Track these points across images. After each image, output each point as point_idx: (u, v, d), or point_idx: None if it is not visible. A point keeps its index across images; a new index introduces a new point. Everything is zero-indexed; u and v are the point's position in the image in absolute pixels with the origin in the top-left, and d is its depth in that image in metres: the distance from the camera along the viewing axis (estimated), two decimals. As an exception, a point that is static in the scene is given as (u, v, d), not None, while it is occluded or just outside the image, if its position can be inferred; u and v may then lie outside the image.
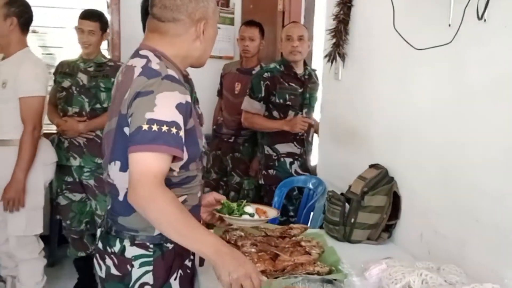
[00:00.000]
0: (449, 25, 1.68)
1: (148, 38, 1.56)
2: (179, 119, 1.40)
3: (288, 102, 3.24)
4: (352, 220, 2.08)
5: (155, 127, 1.35)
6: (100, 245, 1.59)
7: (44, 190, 3.01)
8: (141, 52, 1.51)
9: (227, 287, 1.37)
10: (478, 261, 1.61)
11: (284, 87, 3.24)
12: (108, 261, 1.54)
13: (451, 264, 1.63)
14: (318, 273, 1.67)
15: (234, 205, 1.82)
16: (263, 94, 3.25)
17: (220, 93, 3.88)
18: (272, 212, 1.90)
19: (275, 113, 3.28)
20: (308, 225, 2.58)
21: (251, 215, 1.83)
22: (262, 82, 3.26)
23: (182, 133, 1.40)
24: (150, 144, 1.35)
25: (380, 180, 2.10)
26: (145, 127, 1.35)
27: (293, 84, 3.24)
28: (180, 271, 1.57)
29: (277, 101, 3.24)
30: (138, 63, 1.47)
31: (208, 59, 4.03)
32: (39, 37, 4.45)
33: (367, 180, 2.10)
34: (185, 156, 1.47)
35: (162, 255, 1.53)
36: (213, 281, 1.60)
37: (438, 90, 1.82)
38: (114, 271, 1.53)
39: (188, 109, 1.44)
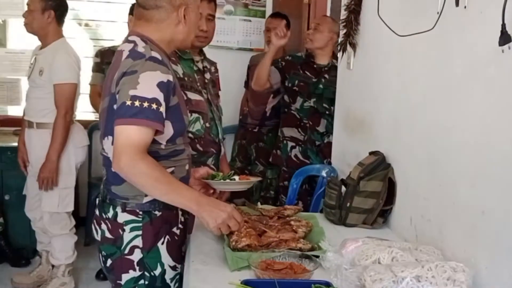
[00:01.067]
0: (438, 12, 1.71)
1: (136, 25, 1.71)
2: (160, 96, 1.53)
3: (295, 88, 3.28)
4: (348, 204, 2.13)
5: (137, 103, 1.49)
6: (97, 212, 1.75)
7: (76, 171, 3.22)
8: (130, 38, 1.66)
9: (216, 231, 1.60)
10: (454, 243, 1.64)
11: (297, 73, 3.29)
12: (103, 226, 1.70)
13: (429, 246, 1.67)
14: (300, 249, 1.75)
15: (220, 174, 1.95)
16: (280, 66, 3.33)
17: (246, 84, 3.99)
18: (254, 178, 2.07)
19: (285, 97, 3.36)
20: (318, 211, 2.65)
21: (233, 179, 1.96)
22: (279, 60, 3.35)
23: (162, 109, 1.53)
24: (132, 118, 1.49)
25: (377, 166, 2.14)
26: (128, 102, 1.49)
27: (308, 73, 3.27)
28: (167, 236, 1.71)
29: (288, 84, 3.31)
30: (126, 47, 1.62)
31: (239, 51, 4.21)
32: (91, 31, 4.72)
33: (364, 166, 2.16)
34: (171, 131, 1.63)
35: (151, 221, 1.67)
36: (202, 246, 1.76)
37: (426, 78, 1.85)
38: (108, 234, 1.69)
39: (170, 87, 1.57)
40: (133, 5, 3.14)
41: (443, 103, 1.74)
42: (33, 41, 3.23)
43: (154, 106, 1.51)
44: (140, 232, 1.67)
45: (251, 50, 4.34)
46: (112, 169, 1.61)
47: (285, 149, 3.34)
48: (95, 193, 3.70)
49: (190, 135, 2.31)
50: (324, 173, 2.98)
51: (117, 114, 1.51)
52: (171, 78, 1.58)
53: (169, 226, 1.72)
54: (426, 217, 1.83)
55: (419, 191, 1.91)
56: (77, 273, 3.44)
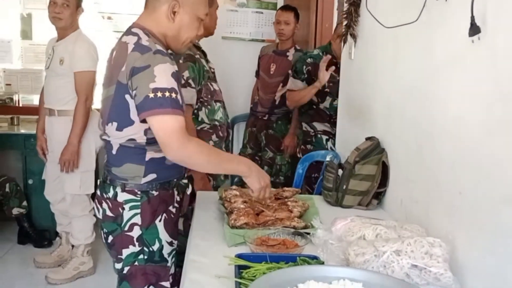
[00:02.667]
0: (424, 5, 1.81)
1: (140, 16, 1.84)
2: (175, 85, 1.68)
3: (326, 89, 3.39)
4: (344, 187, 2.26)
5: (159, 94, 1.63)
6: (98, 192, 1.90)
7: (96, 155, 3.40)
8: (133, 30, 1.78)
9: (258, 191, 1.83)
10: (436, 221, 1.75)
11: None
12: (104, 205, 1.85)
13: (414, 224, 1.78)
14: (294, 227, 1.89)
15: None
16: (305, 76, 3.45)
17: (257, 74, 4.12)
18: None
19: (313, 98, 3.47)
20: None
21: None
22: (304, 67, 3.46)
23: (179, 96, 1.68)
24: (160, 108, 1.63)
25: (372, 151, 2.26)
26: (151, 95, 1.62)
27: (333, 72, 3.30)
28: (164, 214, 1.86)
29: None
30: (131, 40, 1.73)
31: (251, 42, 4.35)
32: (113, 23, 4.89)
33: (360, 150, 2.27)
34: None
35: (148, 200, 1.81)
36: (204, 224, 1.90)
37: (413, 68, 1.96)
38: (108, 213, 1.83)
39: (179, 77, 1.72)
40: None
41: (427, 92, 1.84)
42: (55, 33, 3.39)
43: (173, 95, 1.65)
44: (138, 211, 1.81)
45: (263, 41, 4.47)
46: (116, 152, 1.78)
47: (320, 142, 3.50)
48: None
49: (216, 122, 2.48)
50: (328, 159, 3.10)
51: (143, 108, 1.64)
52: (176, 69, 1.72)
53: (166, 205, 1.86)
54: (414, 198, 1.95)
55: (409, 174, 2.02)
56: (95, 253, 3.63)
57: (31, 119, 4.18)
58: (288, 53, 3.87)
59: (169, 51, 1.83)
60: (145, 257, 1.83)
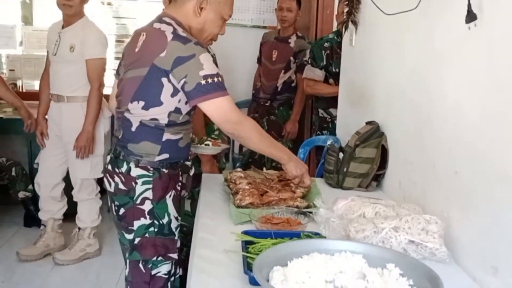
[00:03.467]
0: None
1: (169, 7, 1.97)
2: (218, 69, 1.85)
3: None
4: (345, 169, 2.34)
5: (210, 80, 1.80)
6: (109, 167, 2.00)
7: (104, 140, 3.47)
8: (165, 19, 1.90)
9: (294, 177, 2.03)
10: (433, 201, 1.83)
11: (341, 57, 3.39)
12: (116, 179, 1.95)
13: (411, 203, 1.87)
14: (297, 207, 1.97)
15: (196, 139, 2.32)
16: (324, 62, 3.52)
17: (259, 60, 4.17)
18: (224, 145, 2.48)
19: (330, 81, 3.53)
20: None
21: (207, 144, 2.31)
22: (323, 52, 3.52)
23: (223, 81, 1.85)
24: (213, 92, 1.81)
25: (371, 134, 2.33)
26: (203, 82, 1.79)
27: None
28: (173, 191, 1.97)
29: (334, 70, 3.47)
30: (166, 28, 1.86)
31: (252, 29, 4.40)
32: (113, 9, 4.94)
33: (360, 134, 2.35)
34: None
35: (160, 177, 1.93)
36: (211, 205, 1.99)
37: (413, 54, 2.03)
38: (121, 186, 1.94)
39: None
40: None
41: (427, 77, 1.91)
42: (58, 19, 3.41)
43: (220, 79, 1.83)
44: (150, 186, 1.92)
45: (264, 27, 4.51)
46: (135, 130, 1.90)
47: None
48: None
49: None
50: (329, 144, 3.17)
51: (198, 94, 1.80)
52: None
53: (174, 183, 1.98)
54: (412, 179, 2.03)
55: (407, 157, 2.10)
56: (102, 236, 3.72)
57: (35, 105, 4.21)
58: (290, 40, 3.93)
59: None
60: (155, 229, 1.94)
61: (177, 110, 1.88)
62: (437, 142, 1.82)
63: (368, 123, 2.42)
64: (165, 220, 1.94)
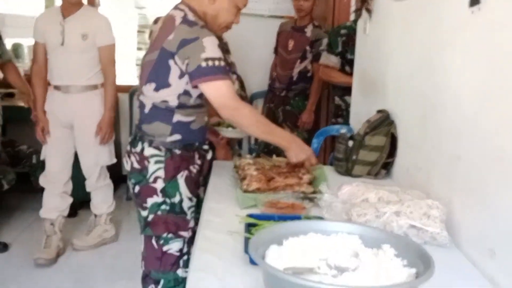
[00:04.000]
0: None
1: None
2: (221, 54, 1.89)
3: None
4: (354, 157, 2.35)
5: (210, 63, 1.85)
6: (128, 147, 2.09)
7: None
8: (179, 6, 1.99)
9: (295, 163, 2.06)
10: (436, 187, 1.84)
11: None
12: (132, 158, 2.05)
13: (415, 190, 1.87)
14: (303, 193, 1.99)
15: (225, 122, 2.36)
16: (340, 49, 3.54)
17: (276, 51, 4.19)
18: None
19: (347, 68, 3.54)
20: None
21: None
22: (339, 38, 3.54)
23: (225, 64, 1.88)
24: (213, 75, 1.86)
25: (381, 122, 2.34)
26: (203, 64, 1.84)
27: None
28: (186, 171, 2.04)
29: (349, 57, 3.47)
30: (178, 14, 1.94)
31: (270, 19, 4.49)
32: None
33: (370, 122, 2.36)
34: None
35: (171, 157, 2.01)
36: (218, 189, 2.06)
37: (420, 42, 2.03)
38: (136, 165, 2.03)
39: (223, 48, 1.93)
40: None
41: (432, 64, 1.91)
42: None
43: (222, 63, 1.87)
44: (162, 165, 2.01)
45: (281, 17, 4.51)
46: (148, 111, 1.99)
47: None
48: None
49: None
50: (343, 132, 3.18)
51: (197, 75, 1.86)
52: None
53: (187, 163, 2.05)
54: (418, 166, 2.03)
55: (414, 143, 2.11)
56: (119, 223, 3.81)
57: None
58: (306, 29, 3.93)
59: None
60: (167, 208, 2.03)
61: (186, 93, 1.95)
62: (442, 128, 1.82)
63: (379, 111, 2.42)
64: (176, 199, 2.02)
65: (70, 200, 3.51)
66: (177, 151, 2.01)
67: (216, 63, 1.85)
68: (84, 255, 3.48)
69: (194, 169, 2.07)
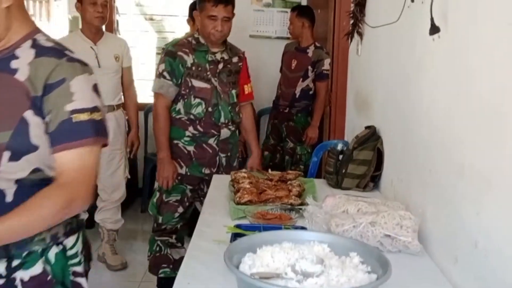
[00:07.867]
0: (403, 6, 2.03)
1: None
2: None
3: None
4: (343, 171, 2.49)
5: None
6: None
7: None
8: None
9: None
10: (414, 198, 1.97)
11: None
12: None
13: (396, 202, 2.00)
14: (291, 204, 2.14)
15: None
16: None
17: (281, 69, 4.37)
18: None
19: None
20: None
21: None
22: None
23: None
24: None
25: (368, 138, 2.48)
26: None
27: None
28: None
29: None
30: None
31: (277, 40, 4.70)
32: (156, 24, 5.28)
33: (358, 137, 2.50)
34: None
35: None
36: (214, 202, 2.18)
37: (397, 64, 2.19)
38: None
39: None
40: (191, 8, 3.65)
41: (409, 84, 2.06)
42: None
43: None
44: None
45: (287, 38, 4.70)
46: None
47: None
48: (150, 167, 4.39)
49: (191, 116, 2.77)
50: (339, 147, 3.32)
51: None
52: None
53: None
54: (400, 178, 2.17)
55: (397, 158, 2.25)
56: (133, 235, 3.97)
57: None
58: (308, 50, 4.12)
59: None
60: None
61: None
62: (416, 143, 1.96)
63: (367, 127, 2.56)
64: None
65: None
66: None
67: None
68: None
69: None
